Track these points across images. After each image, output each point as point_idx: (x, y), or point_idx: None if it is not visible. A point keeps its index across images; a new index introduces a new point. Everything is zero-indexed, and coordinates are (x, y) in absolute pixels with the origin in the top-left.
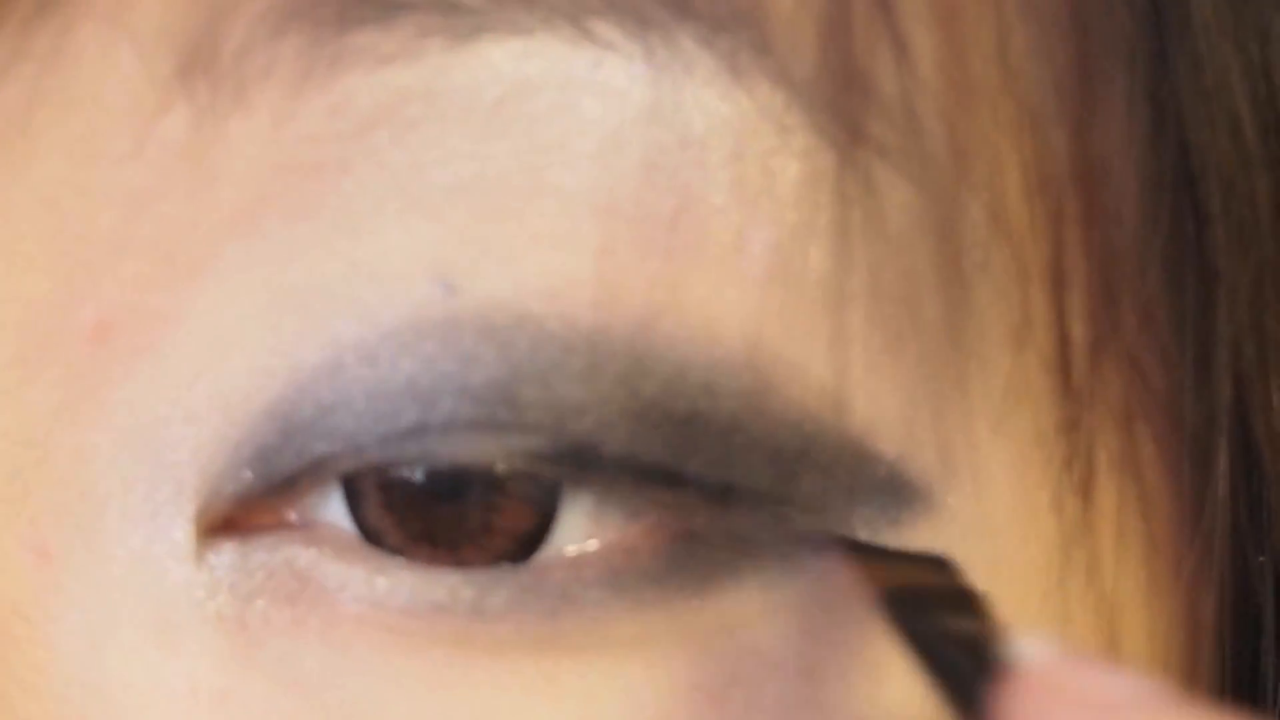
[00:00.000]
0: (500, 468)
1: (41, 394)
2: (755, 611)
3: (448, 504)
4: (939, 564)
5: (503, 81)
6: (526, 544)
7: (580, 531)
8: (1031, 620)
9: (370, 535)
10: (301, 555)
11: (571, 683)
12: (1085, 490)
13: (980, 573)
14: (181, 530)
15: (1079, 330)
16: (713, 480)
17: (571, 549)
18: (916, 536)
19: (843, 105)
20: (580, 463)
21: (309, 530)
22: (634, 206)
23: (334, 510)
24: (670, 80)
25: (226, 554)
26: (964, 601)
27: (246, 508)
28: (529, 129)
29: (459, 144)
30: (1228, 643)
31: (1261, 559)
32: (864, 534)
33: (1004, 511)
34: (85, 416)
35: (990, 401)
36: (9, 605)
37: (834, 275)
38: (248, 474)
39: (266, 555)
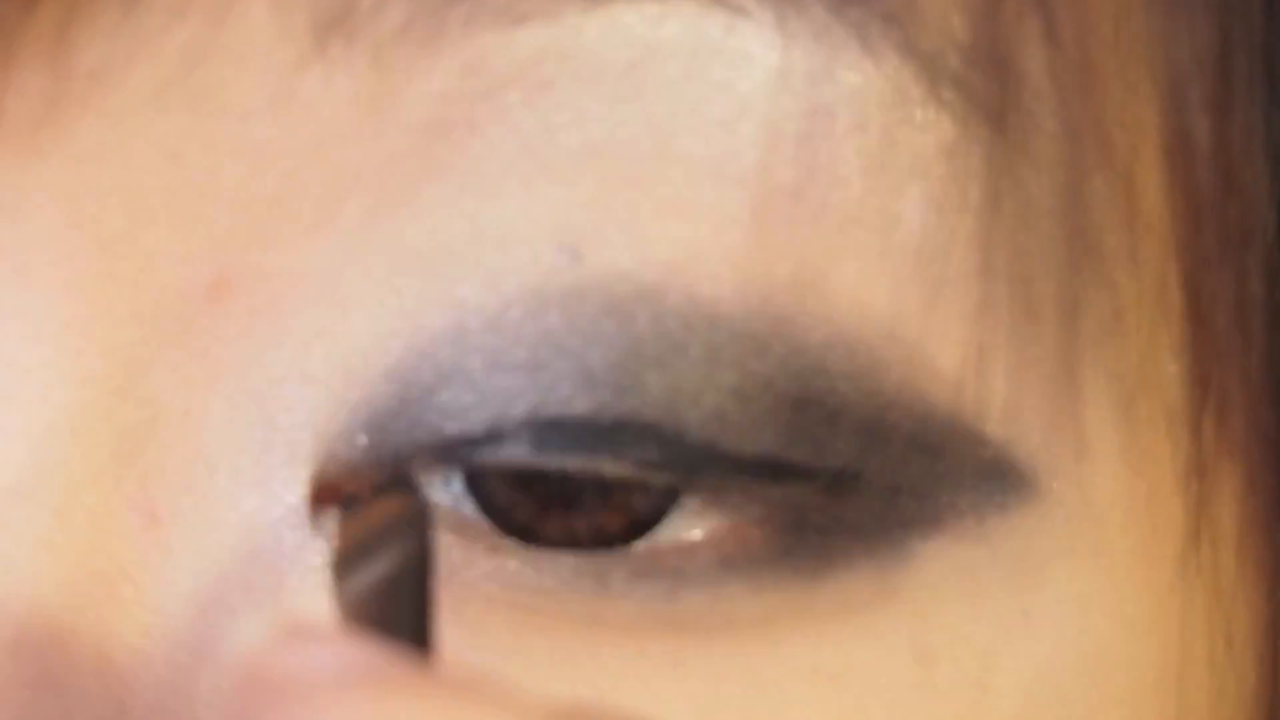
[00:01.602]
0: (609, 473)
1: (155, 351)
2: (870, 595)
3: (564, 480)
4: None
5: (636, 44)
6: (657, 506)
7: (694, 513)
8: (1132, 606)
9: (497, 515)
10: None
11: (696, 663)
12: (1205, 479)
13: (1086, 560)
14: (295, 495)
15: (1212, 316)
16: (823, 469)
17: (684, 534)
18: (1023, 521)
19: (978, 82)
20: (693, 466)
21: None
22: (759, 176)
23: (443, 488)
24: (800, 48)
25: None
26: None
27: (360, 478)
28: (660, 93)
29: (590, 106)
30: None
31: None
32: (971, 519)
33: (1112, 496)
34: (199, 376)
35: (1107, 385)
36: (116, 567)
37: (958, 252)
38: (363, 439)
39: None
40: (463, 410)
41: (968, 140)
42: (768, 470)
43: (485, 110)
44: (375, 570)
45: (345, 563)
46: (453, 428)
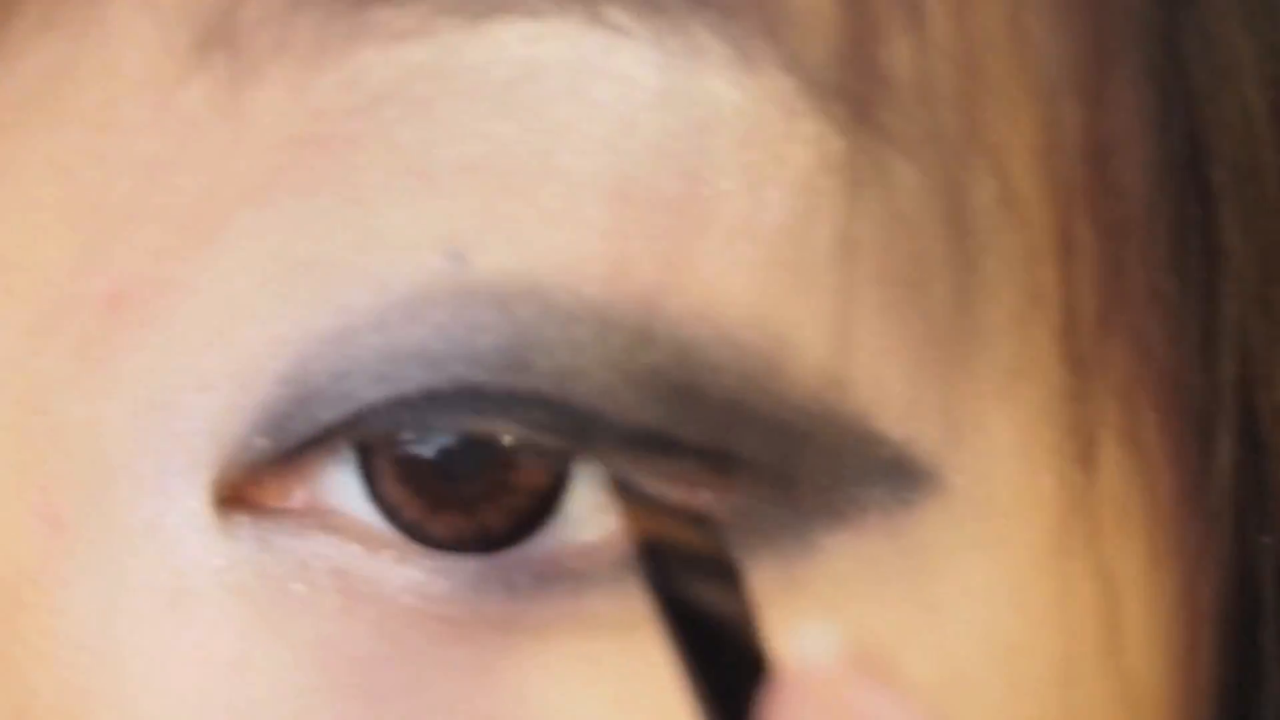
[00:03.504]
0: (507, 440)
1: (54, 362)
2: (776, 589)
3: (461, 474)
4: (700, 521)
5: (514, 63)
6: (544, 502)
7: (594, 493)
8: (1018, 595)
9: (389, 511)
10: (326, 544)
11: (610, 662)
12: (1088, 463)
13: (989, 551)
14: (196, 499)
15: (1086, 304)
16: (712, 449)
17: (582, 536)
18: (927, 515)
19: (852, 90)
20: (582, 432)
21: (320, 515)
22: (643, 190)
23: (348, 488)
24: (681, 66)
25: (247, 528)
26: (720, 569)
27: (261, 480)
28: (539, 111)
29: (469, 123)
30: (1227, 623)
31: (1266, 539)
32: (876, 514)
33: (1009, 488)
34: (98, 385)
35: (996, 377)
36: (19, 571)
37: (839, 259)
38: (261, 441)
39: (291, 540)
40: (357, 395)
41: (853, 151)
42: (654, 442)
43: (365, 125)
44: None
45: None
46: (347, 410)
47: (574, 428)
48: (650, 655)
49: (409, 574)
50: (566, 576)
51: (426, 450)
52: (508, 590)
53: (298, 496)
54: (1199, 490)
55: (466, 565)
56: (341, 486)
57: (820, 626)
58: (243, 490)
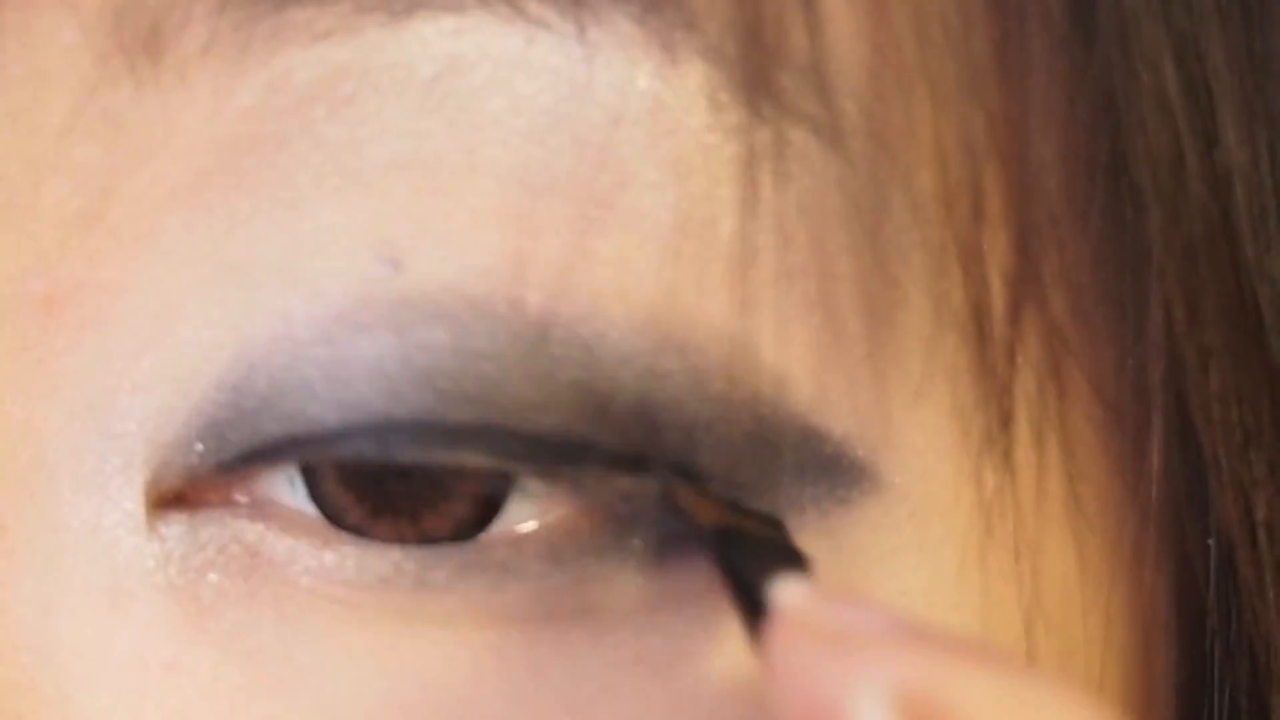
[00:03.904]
0: (470, 463)
1: None
2: (704, 587)
3: (403, 475)
4: (774, 523)
5: (437, 59)
6: (486, 508)
7: (535, 495)
8: (950, 595)
9: (330, 514)
10: (250, 530)
11: (518, 654)
12: (1006, 463)
13: (925, 551)
14: (132, 500)
15: (997, 303)
16: (649, 458)
17: (517, 527)
18: (866, 515)
19: (780, 82)
20: (545, 459)
21: (258, 507)
22: (569, 184)
23: (288, 488)
24: (603, 58)
25: (176, 525)
26: (794, 558)
27: (199, 484)
28: (464, 106)
29: (395, 120)
30: (1176, 625)
31: (1209, 541)
32: (813, 513)
33: (940, 488)
34: (35, 388)
35: (915, 379)
36: None
37: (776, 254)
38: (199, 446)
39: (217, 529)
40: (306, 418)
41: (778, 142)
42: (573, 453)
43: (292, 125)
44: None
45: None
46: (296, 431)
47: (540, 457)
48: (559, 648)
49: (321, 558)
50: (489, 569)
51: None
52: (419, 582)
53: (239, 497)
54: (1132, 493)
55: (384, 554)
56: (281, 488)
57: (792, 578)
58: (184, 493)
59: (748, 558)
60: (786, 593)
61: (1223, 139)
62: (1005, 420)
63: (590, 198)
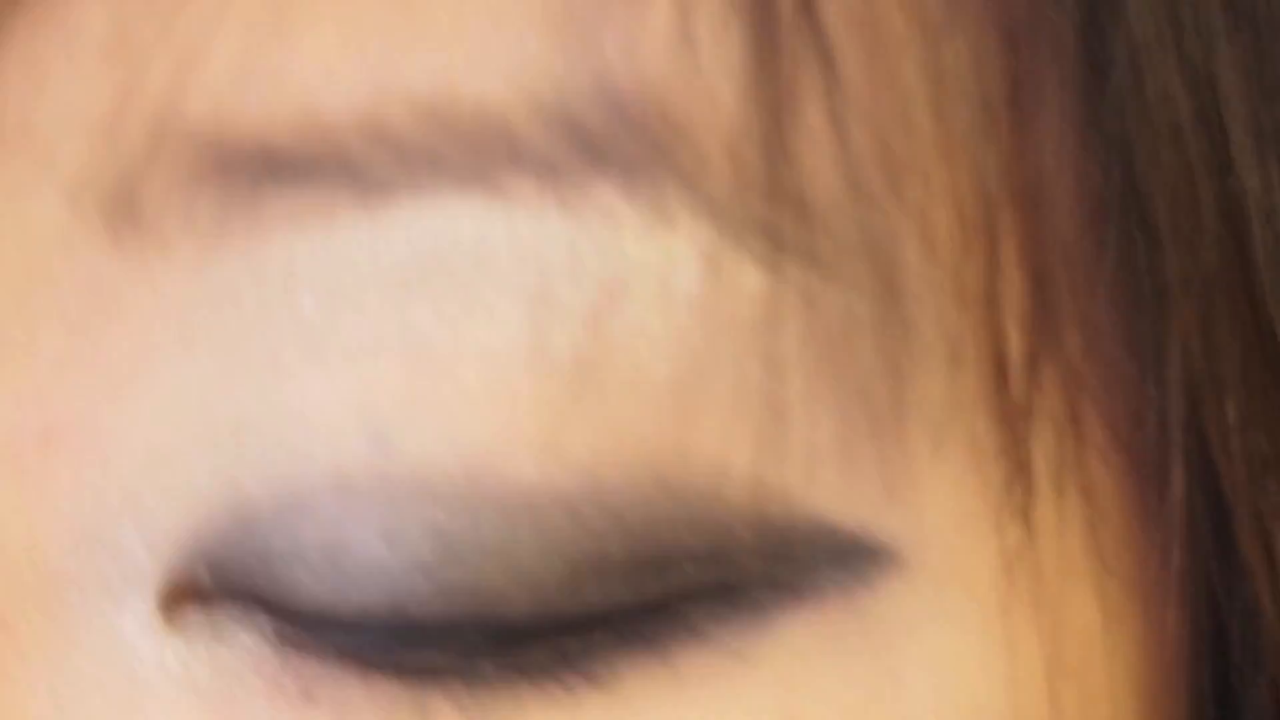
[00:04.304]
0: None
1: None
2: (730, 664)
3: None
4: None
5: (416, 245)
6: None
7: None
8: (977, 657)
9: None
10: (271, 624)
11: None
12: (1025, 516)
13: (949, 617)
14: (146, 605)
15: (1015, 349)
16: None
17: None
18: (889, 589)
19: (775, 223)
20: (521, 642)
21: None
22: (561, 357)
23: None
24: (589, 230)
25: (199, 627)
26: None
27: (211, 590)
28: (448, 289)
29: (378, 304)
30: (1201, 670)
31: (1230, 582)
32: (836, 594)
33: (960, 551)
34: (38, 514)
35: (929, 439)
36: None
37: (783, 386)
38: (205, 574)
39: (238, 627)
40: (298, 592)
41: (778, 281)
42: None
43: (274, 300)
44: None
45: None
46: (290, 601)
47: (517, 639)
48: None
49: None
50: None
51: None
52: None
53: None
54: (1152, 533)
55: None
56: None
57: None
58: (198, 593)
59: None
60: None
61: (1235, 167)
62: (1024, 471)
63: (589, 369)
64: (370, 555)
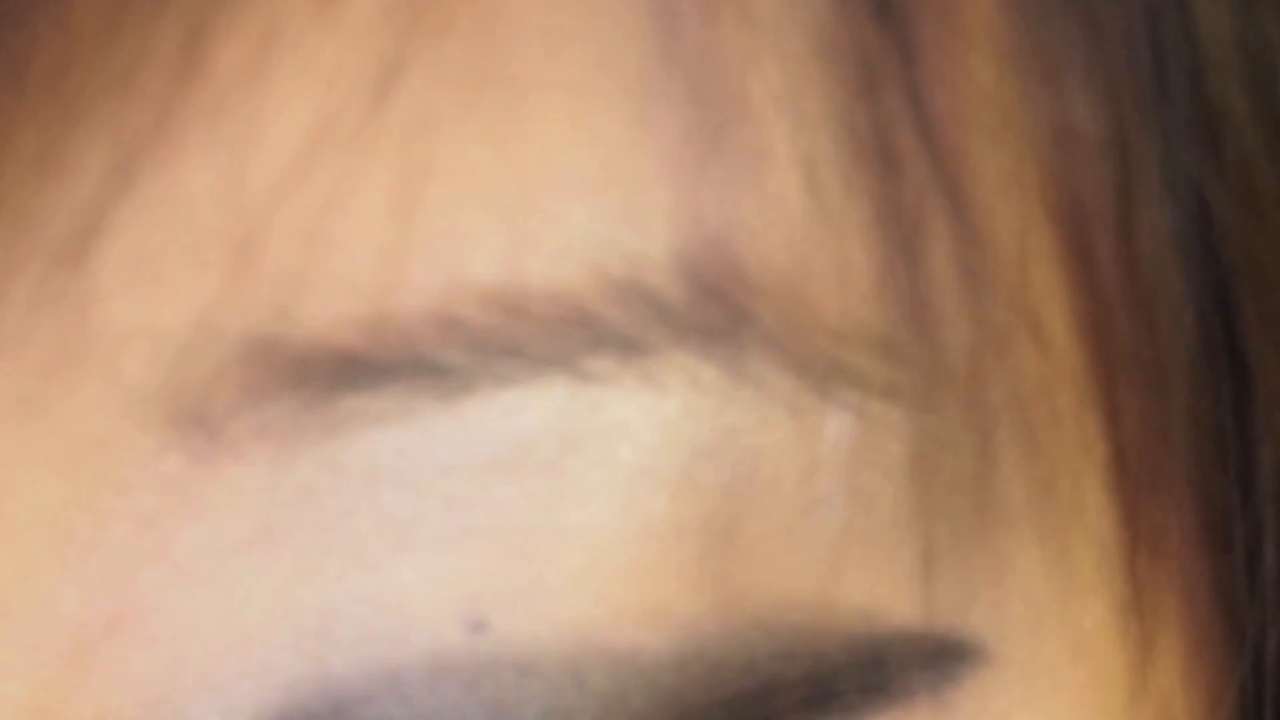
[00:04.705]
0: None
1: (58, 673)
2: None
3: None
4: None
5: (499, 436)
6: None
7: None
8: None
9: None
10: None
11: None
12: (1146, 615)
13: (1042, 710)
14: None
15: (1142, 454)
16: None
17: None
18: (978, 686)
19: (868, 370)
20: None
21: None
22: (665, 527)
23: None
24: (675, 400)
25: None
26: None
27: None
28: (537, 475)
29: (465, 494)
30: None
31: None
32: (925, 695)
33: (1065, 645)
34: (104, 688)
35: (1049, 544)
36: None
37: (886, 517)
38: None
39: None
40: None
41: (873, 424)
42: None
43: (356, 500)
44: None
45: None
46: None
47: None
48: None
49: None
50: None
51: None
52: None
53: None
54: (1228, 612)
55: None
56: None
57: None
58: None
59: None
60: None
61: None
62: (1144, 570)
63: (690, 535)
64: None
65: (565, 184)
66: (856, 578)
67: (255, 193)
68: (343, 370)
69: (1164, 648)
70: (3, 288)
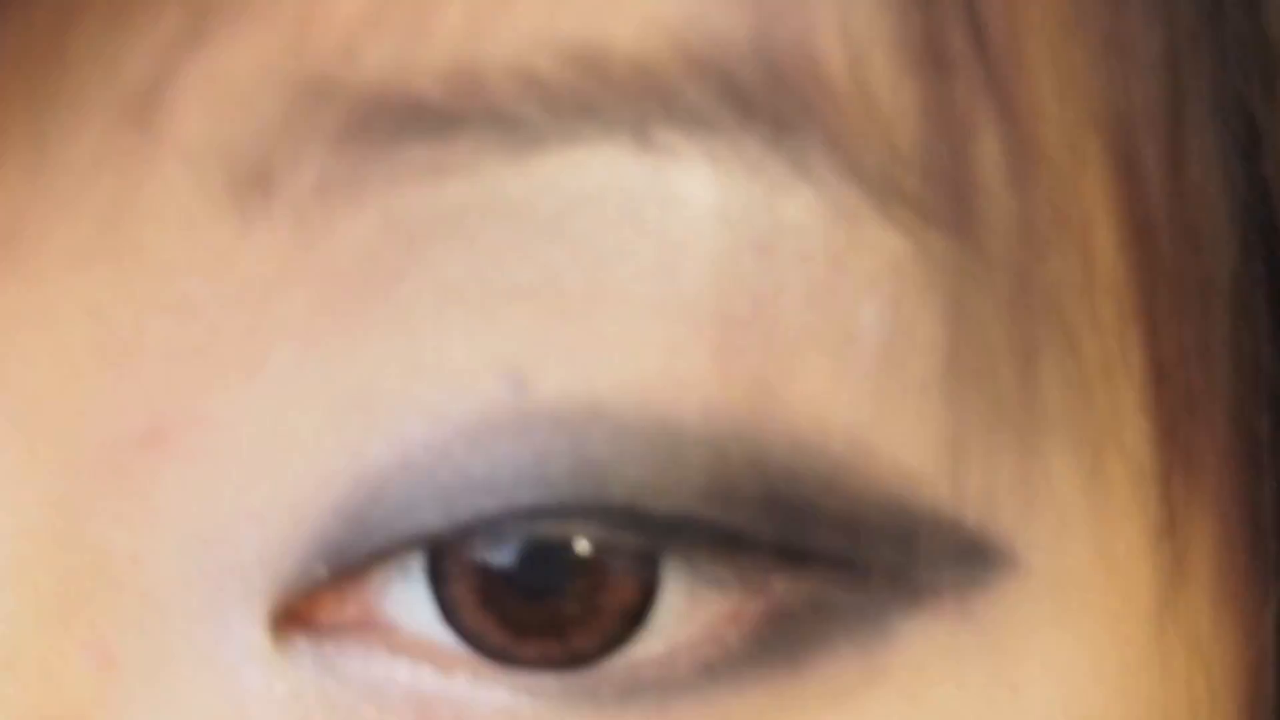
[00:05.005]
0: (582, 547)
1: (94, 499)
2: (855, 679)
3: (544, 595)
4: None
5: (562, 193)
6: (631, 620)
7: (682, 601)
8: (1092, 667)
9: (470, 638)
10: (386, 660)
11: None
12: (1179, 533)
13: (1068, 625)
14: (254, 630)
15: (1182, 373)
16: (787, 545)
17: (661, 647)
18: (1004, 595)
19: (922, 193)
20: (658, 538)
21: (393, 636)
22: (704, 309)
23: (411, 600)
24: (736, 184)
25: (306, 655)
26: None
27: (323, 602)
28: (591, 237)
29: (518, 252)
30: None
31: None
32: (951, 597)
33: (1086, 559)
34: (141, 519)
35: (1084, 453)
36: (72, 710)
37: (917, 358)
38: (322, 569)
39: (351, 661)
40: (422, 524)
41: (921, 251)
42: (729, 542)
43: (410, 261)
44: None
45: None
46: (411, 535)
47: (652, 534)
48: None
49: (493, 696)
50: (650, 688)
51: (504, 561)
52: (594, 706)
53: (351, 609)
54: (1260, 542)
55: (548, 683)
56: (404, 598)
57: None
58: (296, 608)
59: None
60: None
61: None
62: (1179, 489)
63: (727, 322)
64: (500, 478)
65: None
66: (892, 433)
67: None
68: (411, 118)
69: (1195, 575)
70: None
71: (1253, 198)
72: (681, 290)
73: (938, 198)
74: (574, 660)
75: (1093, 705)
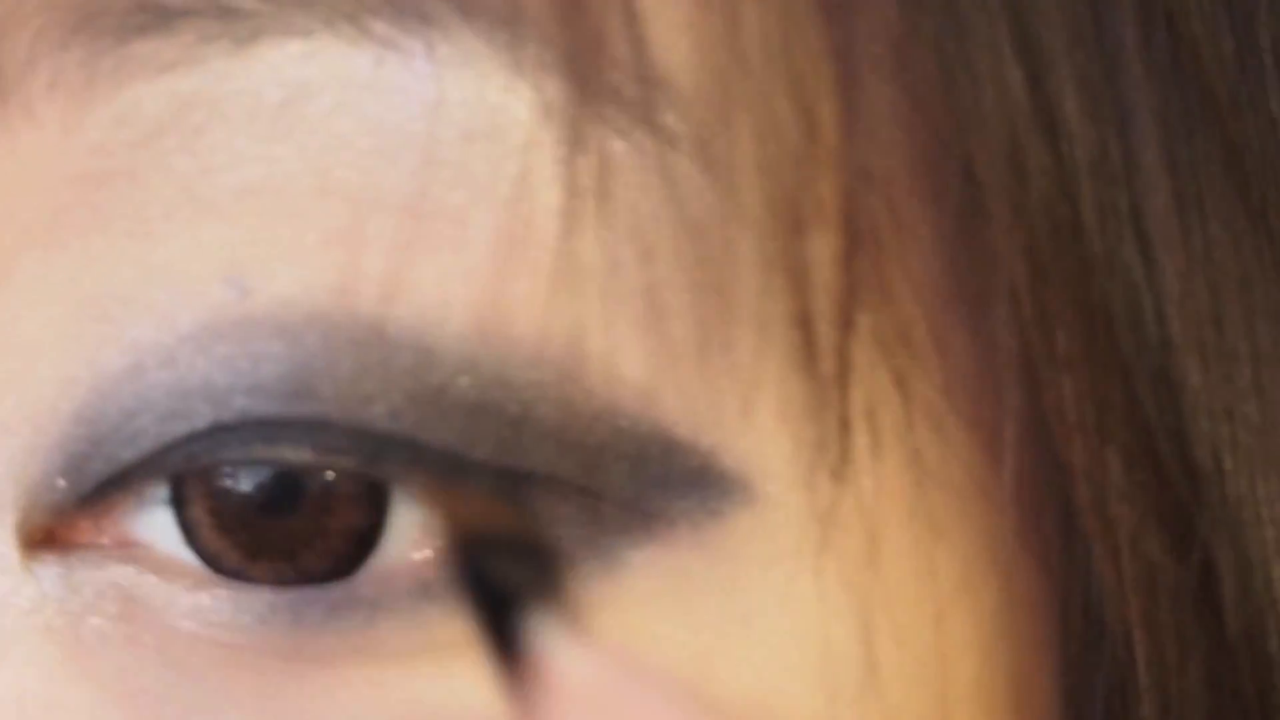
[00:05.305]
0: (310, 471)
1: None
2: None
3: (278, 517)
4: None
5: (284, 84)
6: (362, 544)
7: (413, 529)
8: (783, 605)
9: (208, 559)
10: (126, 574)
11: (396, 686)
12: (837, 473)
13: (803, 559)
14: (4, 541)
15: (824, 307)
16: (505, 468)
17: (381, 566)
18: (740, 525)
19: (633, 94)
20: (374, 455)
21: (134, 552)
22: (422, 202)
23: (165, 535)
24: (453, 76)
25: (52, 567)
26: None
27: (68, 522)
28: (313, 130)
29: (245, 147)
30: (1061, 631)
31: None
32: (685, 526)
33: (819, 493)
34: None
35: (815, 387)
36: None
37: (633, 268)
38: (61, 483)
39: (94, 573)
40: (149, 432)
41: (634, 154)
42: (447, 463)
43: (143, 158)
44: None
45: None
46: (142, 449)
47: (365, 450)
48: (437, 680)
49: (197, 600)
50: (361, 606)
51: (240, 490)
52: (294, 621)
53: (109, 536)
54: (992, 498)
55: (259, 594)
56: (157, 531)
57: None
58: (54, 531)
59: (499, 574)
60: (563, 658)
61: (1067, 130)
62: (842, 429)
63: (444, 215)
64: (218, 383)
65: None
66: (614, 344)
67: None
68: (134, 15)
69: (901, 534)
70: None
71: (944, 146)
72: (400, 182)
73: (648, 98)
74: (305, 581)
75: (826, 641)
